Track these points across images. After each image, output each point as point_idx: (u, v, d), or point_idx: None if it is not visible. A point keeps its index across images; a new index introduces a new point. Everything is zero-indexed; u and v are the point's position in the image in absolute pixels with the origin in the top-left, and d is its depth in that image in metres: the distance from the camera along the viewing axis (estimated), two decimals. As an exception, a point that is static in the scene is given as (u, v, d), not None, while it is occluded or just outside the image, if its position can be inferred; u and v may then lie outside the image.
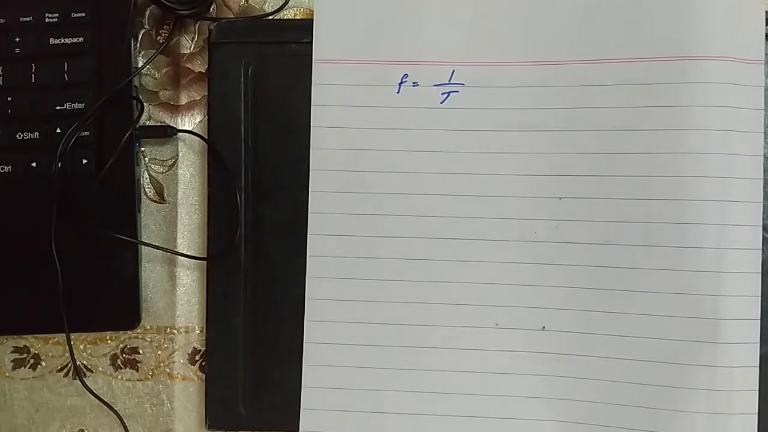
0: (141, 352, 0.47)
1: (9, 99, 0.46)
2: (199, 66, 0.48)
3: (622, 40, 0.44)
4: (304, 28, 0.46)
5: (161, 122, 0.48)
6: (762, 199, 0.43)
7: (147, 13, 0.48)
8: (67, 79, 0.46)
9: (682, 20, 0.44)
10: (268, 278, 0.46)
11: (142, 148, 0.48)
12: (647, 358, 0.43)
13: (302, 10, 0.48)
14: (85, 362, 0.47)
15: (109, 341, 0.47)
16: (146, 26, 0.48)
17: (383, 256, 0.45)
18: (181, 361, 0.47)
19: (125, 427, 0.46)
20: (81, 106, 0.46)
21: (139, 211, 0.47)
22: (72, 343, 0.46)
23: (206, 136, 0.46)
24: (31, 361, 0.47)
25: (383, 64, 0.46)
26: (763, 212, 0.43)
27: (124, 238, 0.45)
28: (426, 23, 0.46)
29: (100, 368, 0.47)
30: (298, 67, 0.46)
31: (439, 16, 0.46)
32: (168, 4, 0.46)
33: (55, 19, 0.46)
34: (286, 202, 0.46)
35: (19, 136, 0.46)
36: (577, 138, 0.44)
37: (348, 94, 0.46)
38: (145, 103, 0.47)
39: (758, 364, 0.43)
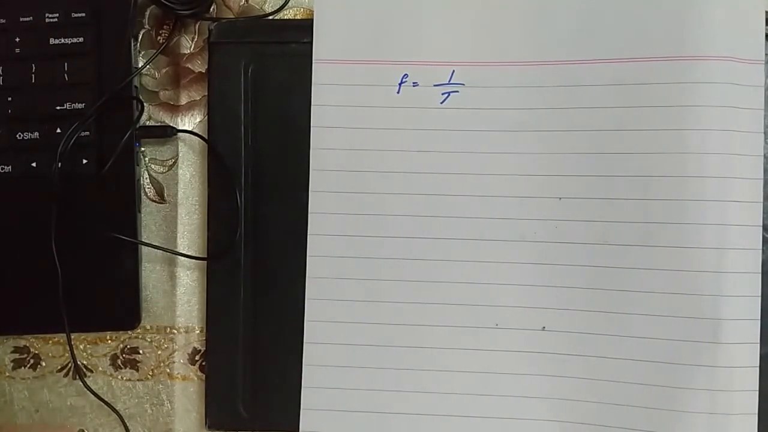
0: (141, 352, 0.47)
1: (9, 99, 0.46)
2: (199, 66, 0.48)
3: (622, 40, 0.44)
4: (304, 28, 0.46)
5: (161, 122, 0.48)
6: (762, 199, 0.43)
7: (147, 13, 0.48)
8: (67, 79, 0.46)
9: (683, 20, 0.44)
10: (268, 278, 0.46)
11: (142, 148, 0.48)
12: (647, 358, 0.43)
13: (302, 10, 0.48)
14: (85, 362, 0.47)
15: (110, 341, 0.47)
16: (146, 26, 0.48)
17: (383, 256, 0.45)
18: (181, 361, 0.47)
19: (126, 427, 0.46)
20: (81, 106, 0.46)
21: (139, 211, 0.47)
22: (72, 343, 0.46)
23: (206, 136, 0.46)
24: (31, 361, 0.47)
25: (383, 64, 0.46)
26: (763, 212, 0.43)
27: (124, 238, 0.45)
28: (426, 23, 0.46)
29: (100, 368, 0.47)
30: (298, 67, 0.46)
31: (439, 16, 0.46)
32: (168, 4, 0.46)
33: (55, 19, 0.46)
34: (286, 202, 0.46)
35: (19, 136, 0.46)
36: (577, 138, 0.44)
37: (348, 94, 0.46)
38: (145, 103, 0.47)
39: (758, 364, 0.42)
